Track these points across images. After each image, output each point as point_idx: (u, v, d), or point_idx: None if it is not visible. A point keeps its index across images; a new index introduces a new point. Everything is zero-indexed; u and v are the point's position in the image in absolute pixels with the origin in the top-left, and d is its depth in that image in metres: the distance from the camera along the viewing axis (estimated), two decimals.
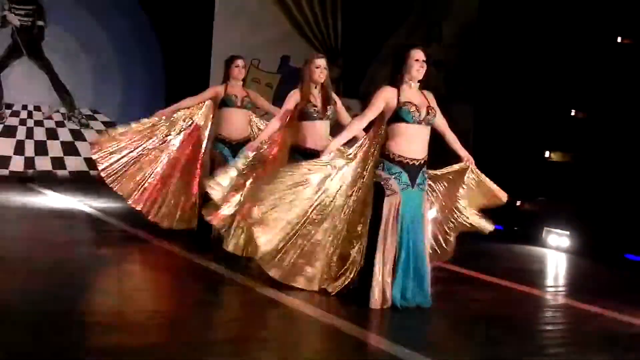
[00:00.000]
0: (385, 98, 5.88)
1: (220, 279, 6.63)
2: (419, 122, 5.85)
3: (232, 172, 6.78)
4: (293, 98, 6.84)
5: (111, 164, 8.13)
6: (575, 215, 9.14)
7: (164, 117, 8.36)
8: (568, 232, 9.14)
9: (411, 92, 5.91)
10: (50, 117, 13.89)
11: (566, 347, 5.33)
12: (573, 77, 9.49)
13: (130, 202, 8.24)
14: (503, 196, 6.36)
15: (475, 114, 11.18)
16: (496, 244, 8.87)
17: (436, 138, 6.15)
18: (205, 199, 7.29)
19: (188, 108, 8.46)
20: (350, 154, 6.13)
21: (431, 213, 6.31)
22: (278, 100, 7.33)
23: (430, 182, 6.21)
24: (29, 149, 13.67)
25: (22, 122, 13.72)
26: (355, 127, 6.15)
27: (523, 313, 6.20)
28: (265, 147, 7.01)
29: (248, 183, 6.76)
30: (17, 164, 13.51)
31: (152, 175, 8.27)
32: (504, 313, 6.13)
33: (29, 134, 13.71)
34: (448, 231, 6.43)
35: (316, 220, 6.09)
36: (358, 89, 13.56)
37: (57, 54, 13.84)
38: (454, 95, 11.27)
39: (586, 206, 9.09)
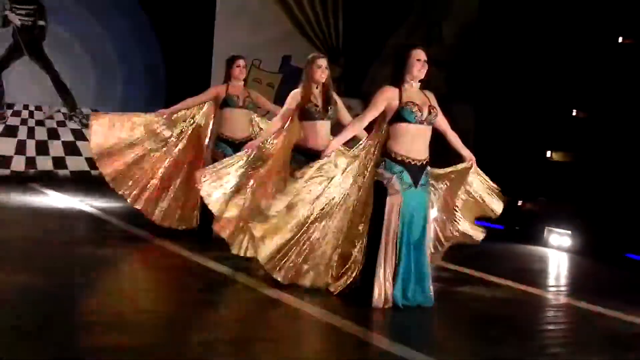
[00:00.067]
0: (386, 98, 5.88)
1: (221, 278, 6.63)
2: (421, 122, 5.85)
3: (227, 183, 6.80)
4: (294, 98, 6.84)
5: (113, 164, 8.13)
6: (576, 214, 9.14)
7: (164, 116, 8.36)
8: (569, 232, 9.14)
9: (413, 91, 5.91)
10: (51, 117, 13.88)
11: (567, 346, 5.33)
12: (574, 77, 9.48)
13: (130, 200, 8.24)
14: (499, 208, 6.39)
15: (476, 113, 11.17)
16: (497, 243, 8.87)
17: (438, 138, 6.15)
18: None
19: (189, 108, 8.47)
20: (352, 153, 6.13)
21: (433, 213, 6.32)
22: (279, 100, 7.32)
23: (432, 181, 6.22)
24: (30, 148, 13.66)
25: (24, 121, 13.71)
26: (356, 127, 6.15)
27: (524, 313, 6.20)
28: (267, 146, 7.00)
29: (250, 184, 6.75)
30: (18, 164, 13.49)
31: (154, 175, 8.27)
32: (505, 313, 6.13)
33: (30, 133, 13.70)
34: (451, 232, 6.44)
35: (317, 221, 6.09)
36: (359, 88, 13.54)
37: (58, 54, 13.83)
38: (455, 95, 11.26)
39: (587, 206, 9.09)
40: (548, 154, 9.80)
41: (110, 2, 14.13)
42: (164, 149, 8.35)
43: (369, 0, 13.80)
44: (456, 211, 6.40)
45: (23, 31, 13.64)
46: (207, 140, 8.42)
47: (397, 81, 5.92)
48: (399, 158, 5.81)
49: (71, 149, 13.82)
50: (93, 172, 12.42)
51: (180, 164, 8.37)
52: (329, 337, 5.26)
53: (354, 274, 5.99)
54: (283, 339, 5.11)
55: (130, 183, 8.21)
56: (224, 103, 8.25)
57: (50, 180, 13.08)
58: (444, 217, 6.45)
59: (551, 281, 7.96)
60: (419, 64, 5.88)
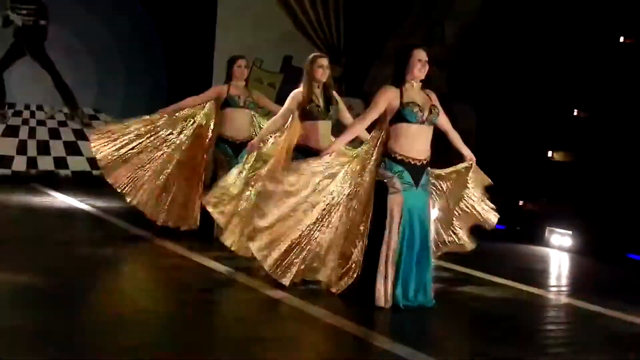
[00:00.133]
0: (387, 98, 5.88)
1: (222, 278, 6.63)
2: (422, 122, 5.85)
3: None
4: (295, 97, 6.83)
5: (112, 161, 8.12)
6: (577, 214, 9.13)
7: (165, 116, 8.36)
8: (570, 232, 9.13)
9: (414, 91, 5.91)
10: (52, 117, 13.88)
11: (568, 346, 5.33)
12: (576, 77, 9.48)
13: (129, 199, 8.24)
14: (493, 222, 6.43)
15: (477, 113, 11.16)
16: (499, 243, 8.87)
17: (439, 137, 6.14)
18: None
19: (190, 108, 8.46)
20: (352, 153, 6.13)
21: (434, 212, 6.32)
22: (281, 101, 7.31)
23: (434, 181, 6.22)
24: (32, 148, 13.66)
25: (25, 121, 13.71)
26: (358, 127, 6.15)
27: (525, 312, 6.19)
28: (269, 146, 7.00)
29: (251, 184, 6.75)
30: (19, 164, 13.50)
31: (153, 174, 8.26)
32: (506, 312, 6.13)
33: (32, 133, 13.70)
34: (455, 228, 6.46)
35: (319, 222, 6.08)
36: (360, 88, 13.54)
37: (60, 54, 13.82)
38: (457, 95, 11.25)
39: (589, 206, 9.08)
40: (549, 153, 9.79)
41: (111, 2, 14.13)
42: (165, 148, 8.34)
43: (370, 0, 13.79)
44: (454, 220, 6.43)
45: (24, 31, 13.64)
46: (207, 140, 8.42)
47: (398, 81, 5.92)
48: (400, 158, 5.81)
49: (72, 149, 13.81)
50: (94, 172, 12.45)
51: (180, 164, 8.36)
52: (330, 337, 5.26)
53: (355, 274, 5.98)
54: (284, 339, 5.11)
55: (130, 182, 8.20)
56: (225, 103, 8.26)
57: (51, 180, 13.08)
58: (444, 220, 6.46)
59: (552, 281, 7.95)
60: (419, 64, 5.88)
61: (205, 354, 4.62)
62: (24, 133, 13.64)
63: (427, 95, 5.98)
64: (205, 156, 8.39)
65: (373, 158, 5.99)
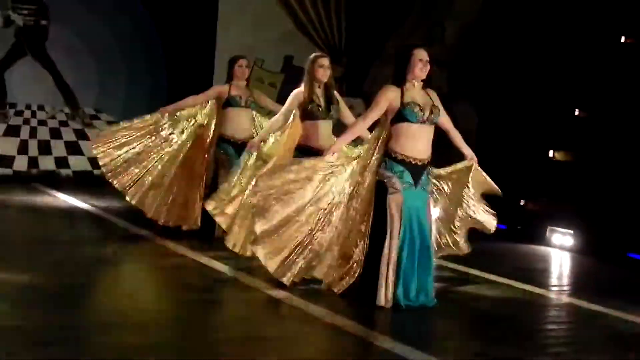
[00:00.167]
0: (388, 98, 5.88)
1: (223, 278, 6.63)
2: (423, 122, 5.85)
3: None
4: (296, 97, 6.83)
5: (112, 160, 8.13)
6: (578, 214, 9.13)
7: (166, 115, 8.36)
8: (572, 231, 9.13)
9: (415, 91, 5.91)
10: (53, 117, 13.89)
11: (569, 346, 5.33)
12: (576, 77, 9.47)
13: (128, 198, 8.25)
14: (492, 227, 6.54)
15: (478, 113, 11.16)
16: (500, 243, 8.86)
17: (439, 137, 6.14)
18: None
19: (191, 107, 8.47)
20: (353, 153, 6.13)
21: (435, 212, 6.33)
22: (282, 100, 7.32)
23: (434, 181, 6.23)
24: (33, 148, 13.66)
25: (26, 121, 13.72)
26: (359, 127, 6.15)
27: (526, 312, 6.19)
28: (269, 145, 7.00)
29: (253, 183, 6.74)
30: (20, 164, 13.50)
31: (154, 173, 8.26)
32: (507, 312, 6.13)
33: (33, 133, 13.70)
34: (455, 229, 6.46)
35: (320, 222, 6.08)
36: (361, 88, 13.54)
37: (61, 54, 13.83)
38: (457, 95, 11.25)
39: (590, 205, 9.08)
40: (550, 153, 9.79)
41: (112, 2, 14.14)
42: (166, 147, 8.35)
43: (371, 0, 13.79)
44: (455, 221, 6.43)
45: (25, 31, 13.64)
46: (208, 140, 8.43)
47: (399, 81, 5.92)
48: (400, 158, 5.81)
49: (73, 149, 13.82)
50: (95, 171, 12.45)
51: (181, 164, 8.36)
52: (331, 337, 5.26)
53: (356, 274, 5.98)
54: (285, 338, 5.11)
55: (130, 180, 8.21)
56: (227, 103, 8.26)
57: (52, 180, 13.09)
58: (447, 216, 6.47)
59: (553, 281, 7.95)
60: (420, 64, 5.88)
61: (206, 353, 4.62)
62: (25, 133, 13.64)
63: (428, 94, 5.98)
64: (206, 156, 8.39)
65: (374, 158, 5.98)
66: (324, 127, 6.83)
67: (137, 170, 8.22)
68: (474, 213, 6.46)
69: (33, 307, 5.40)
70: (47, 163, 13.67)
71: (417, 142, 5.86)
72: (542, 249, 9.21)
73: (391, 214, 5.77)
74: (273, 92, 13.25)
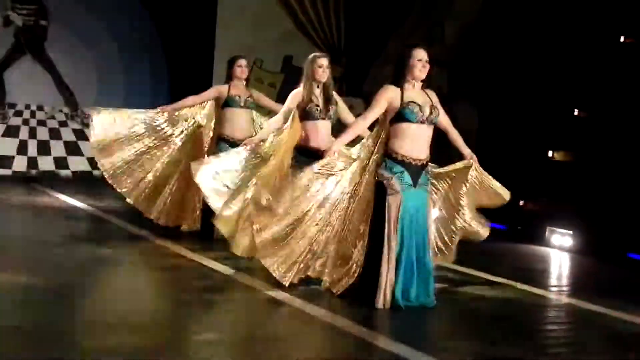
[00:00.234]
0: (388, 97, 5.87)
1: (223, 278, 6.62)
2: (422, 122, 5.85)
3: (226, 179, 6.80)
4: (295, 97, 6.83)
5: (111, 160, 8.12)
6: (578, 214, 9.13)
7: (165, 113, 8.36)
8: (571, 232, 9.13)
9: (414, 91, 5.91)
10: (53, 117, 13.90)
11: (569, 346, 5.32)
12: (576, 77, 9.47)
13: (128, 198, 8.25)
14: (506, 194, 6.41)
15: (478, 113, 11.16)
16: (499, 243, 8.85)
17: (439, 137, 6.14)
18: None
19: (191, 107, 8.47)
20: (352, 153, 6.13)
21: (434, 212, 6.32)
22: (281, 101, 7.32)
23: (433, 180, 6.22)
24: (32, 148, 13.68)
25: (25, 121, 13.73)
26: (359, 127, 6.14)
27: (526, 312, 6.19)
28: (269, 145, 6.98)
29: (252, 182, 6.72)
30: (20, 164, 13.52)
31: (153, 174, 8.27)
32: (506, 312, 6.12)
33: (32, 133, 13.72)
34: (454, 229, 6.45)
35: (320, 223, 6.07)
36: (361, 88, 13.54)
37: (60, 54, 13.85)
38: (457, 95, 11.25)
39: (589, 205, 9.07)
40: (550, 153, 9.78)
41: (112, 1, 14.14)
42: (165, 147, 8.35)
43: (370, 0, 13.79)
44: (460, 208, 6.40)
45: (25, 31, 13.66)
46: (208, 140, 8.43)
47: (399, 81, 5.91)
48: (400, 158, 5.81)
49: (73, 149, 13.83)
50: (94, 172, 12.46)
51: (180, 164, 8.36)
52: (330, 337, 5.25)
53: (355, 275, 5.97)
54: (284, 339, 5.11)
55: (129, 180, 8.21)
56: (226, 103, 8.26)
57: (51, 180, 13.09)
58: (446, 216, 6.46)
59: (553, 281, 7.95)
60: (420, 64, 5.87)
61: (207, 354, 4.61)
62: (24, 133, 13.66)
63: (428, 95, 5.97)
64: (205, 156, 8.37)
65: (373, 158, 5.98)
66: (323, 127, 6.83)
67: (136, 171, 8.22)
68: (467, 221, 6.43)
69: (32, 307, 5.41)
70: (46, 163, 13.69)
71: (416, 142, 5.86)
72: (542, 249, 9.21)
73: (390, 214, 5.76)
74: (272, 92, 13.25)
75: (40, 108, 13.84)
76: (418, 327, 5.60)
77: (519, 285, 6.96)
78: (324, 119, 6.83)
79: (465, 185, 6.35)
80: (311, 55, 6.89)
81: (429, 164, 5.99)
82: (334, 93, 6.95)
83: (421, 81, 5.95)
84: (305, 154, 6.66)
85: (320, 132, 6.81)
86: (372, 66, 13.59)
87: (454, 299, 6.41)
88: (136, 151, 8.22)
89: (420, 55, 5.89)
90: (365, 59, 13.73)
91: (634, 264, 8.37)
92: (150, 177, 8.26)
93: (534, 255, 8.93)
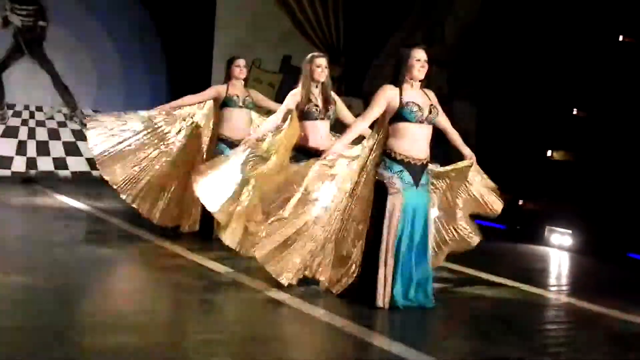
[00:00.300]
0: (387, 97, 5.87)
1: (223, 279, 6.62)
2: (421, 122, 5.84)
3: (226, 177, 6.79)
4: (294, 97, 6.82)
5: (105, 149, 8.10)
6: (577, 214, 9.12)
7: (163, 112, 8.36)
8: (570, 231, 9.13)
9: (413, 91, 5.90)
10: (52, 118, 13.89)
11: (568, 346, 5.32)
12: (575, 76, 9.47)
13: (126, 198, 8.23)
14: (499, 207, 6.42)
15: (477, 113, 11.16)
16: (499, 243, 8.86)
17: (439, 137, 6.14)
18: None
19: (190, 105, 8.46)
20: (352, 153, 6.12)
21: (434, 212, 6.32)
22: (280, 100, 7.31)
23: (433, 180, 6.21)
24: (31, 149, 13.67)
25: (24, 122, 13.73)
26: (359, 126, 6.13)
27: (525, 312, 6.18)
28: (268, 145, 6.96)
29: (251, 183, 6.71)
30: (19, 165, 13.51)
31: (151, 174, 8.26)
32: (506, 312, 6.12)
33: (31, 134, 13.71)
34: (457, 226, 6.44)
35: (320, 222, 6.06)
36: (360, 87, 13.55)
37: (59, 54, 13.84)
38: (458, 95, 11.26)
39: (589, 205, 9.07)
40: (549, 153, 9.78)
41: (111, 2, 14.14)
42: (163, 147, 8.34)
43: None
44: (457, 211, 6.40)
45: (24, 32, 13.65)
46: (206, 140, 8.42)
47: (397, 81, 5.91)
48: (399, 158, 5.80)
49: (72, 150, 13.83)
50: (94, 172, 12.45)
51: (178, 164, 8.36)
52: (329, 337, 5.25)
53: (354, 274, 5.97)
54: (284, 339, 5.11)
55: (128, 181, 8.20)
56: (224, 103, 8.25)
57: (50, 181, 13.09)
58: (445, 216, 6.45)
59: (552, 281, 7.95)
60: (419, 64, 5.87)
61: (205, 354, 4.61)
62: (23, 134, 13.65)
63: (427, 94, 5.97)
64: (204, 156, 8.38)
65: (372, 158, 5.98)
66: (322, 127, 6.82)
67: (134, 171, 8.21)
68: (478, 196, 6.39)
69: (31, 307, 5.41)
70: (45, 164, 13.68)
71: (415, 142, 5.85)
72: (541, 248, 9.20)
73: (391, 213, 5.76)
74: (271, 92, 13.26)
75: (39, 109, 13.83)
76: (417, 327, 5.60)
77: (519, 285, 6.95)
78: (322, 119, 6.82)
79: (465, 185, 6.35)
80: (309, 55, 6.88)
81: (429, 163, 5.99)
82: (332, 93, 6.94)
83: (420, 81, 5.95)
84: (304, 154, 6.66)
85: (319, 132, 6.81)
86: (371, 66, 13.59)
87: (453, 298, 6.41)
88: (134, 150, 8.20)
89: (419, 55, 5.88)
90: (364, 58, 13.73)
91: (634, 264, 8.37)
92: (148, 177, 8.25)
93: (533, 254, 8.92)
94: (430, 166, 6.04)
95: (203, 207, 7.61)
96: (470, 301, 6.42)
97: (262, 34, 13.82)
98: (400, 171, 5.78)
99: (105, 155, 8.10)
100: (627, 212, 8.64)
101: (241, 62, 8.38)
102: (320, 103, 6.81)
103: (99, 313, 5.42)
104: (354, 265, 5.98)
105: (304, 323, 5.51)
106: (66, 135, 13.88)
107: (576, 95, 9.53)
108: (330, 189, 6.05)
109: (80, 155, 13.71)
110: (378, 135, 5.98)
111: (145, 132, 8.27)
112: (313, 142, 6.75)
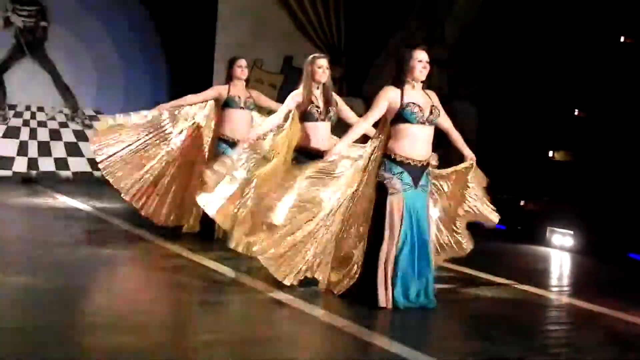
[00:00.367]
0: (388, 98, 5.87)
1: (224, 279, 6.62)
2: (423, 123, 5.84)
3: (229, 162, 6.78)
4: (295, 98, 6.82)
5: (109, 156, 8.12)
6: (578, 214, 9.12)
7: (164, 112, 8.36)
8: (572, 232, 9.12)
9: (414, 92, 5.90)
10: (53, 118, 13.90)
11: (569, 346, 5.32)
12: (576, 77, 9.47)
13: (125, 196, 8.24)
14: (494, 220, 6.43)
15: (479, 113, 11.16)
16: (500, 243, 8.85)
17: (439, 138, 6.14)
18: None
19: (190, 105, 8.46)
20: (354, 154, 6.12)
21: (434, 213, 6.32)
22: (281, 101, 7.31)
23: (434, 182, 6.21)
24: (32, 149, 13.68)
25: (26, 122, 13.74)
26: (361, 128, 6.12)
27: (526, 313, 6.18)
28: (268, 147, 6.97)
29: (252, 184, 6.69)
30: (20, 165, 13.52)
31: (152, 174, 8.27)
32: (507, 313, 6.12)
33: (32, 134, 13.72)
34: (456, 229, 6.44)
35: (321, 223, 6.06)
36: (361, 88, 13.55)
37: (60, 55, 13.86)
38: (458, 95, 11.25)
39: (590, 205, 9.07)
40: (550, 153, 9.78)
41: (112, 2, 14.15)
42: (164, 146, 8.34)
43: (371, 0, 13.80)
44: (456, 219, 6.42)
45: (25, 32, 13.66)
46: (207, 140, 8.42)
47: (399, 82, 5.91)
48: (400, 159, 5.80)
49: (73, 150, 13.83)
50: (95, 173, 12.45)
51: (179, 165, 8.37)
52: (330, 338, 5.25)
53: (356, 275, 5.97)
54: (285, 339, 5.11)
55: (129, 182, 8.20)
56: (225, 104, 8.25)
57: (52, 181, 13.09)
58: (447, 215, 6.46)
59: (553, 281, 7.94)
60: (420, 65, 5.87)
61: (207, 355, 4.61)
62: (24, 134, 13.66)
63: (428, 95, 5.97)
64: (205, 157, 8.38)
65: (374, 158, 5.98)
66: (323, 128, 6.81)
67: (135, 171, 8.21)
68: (476, 208, 6.42)
69: (32, 308, 5.41)
70: (46, 164, 13.69)
71: (416, 143, 5.85)
72: (542, 249, 9.20)
73: (391, 214, 5.76)
74: (272, 93, 13.25)
75: (40, 109, 13.84)
76: (418, 327, 5.59)
77: (519, 286, 6.95)
78: (323, 120, 6.81)
79: (467, 186, 6.35)
80: (311, 56, 6.87)
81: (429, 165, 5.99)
82: (333, 94, 6.94)
83: (421, 82, 5.95)
84: (305, 155, 6.65)
85: (320, 133, 6.80)
86: (372, 66, 13.60)
87: (453, 299, 6.40)
88: (135, 151, 8.21)
89: (420, 56, 5.88)
90: (366, 59, 13.73)
91: (635, 264, 8.36)
92: (149, 177, 8.26)
93: (534, 255, 8.92)
94: (432, 168, 6.04)
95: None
96: (471, 301, 6.42)
97: (263, 35, 13.83)
98: (401, 173, 5.78)
99: (110, 163, 8.12)
100: (628, 213, 8.64)
101: (242, 62, 8.38)
102: (321, 104, 6.80)
103: (100, 313, 5.42)
104: (355, 265, 5.98)
105: (304, 323, 5.51)
106: (67, 135, 13.89)
107: (577, 95, 9.53)
108: (332, 189, 6.05)
109: (82, 155, 13.71)
110: (380, 136, 5.98)
111: (146, 132, 8.27)
112: (314, 144, 6.74)
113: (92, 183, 12.62)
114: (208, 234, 8.00)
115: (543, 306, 6.56)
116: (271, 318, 5.60)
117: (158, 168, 8.30)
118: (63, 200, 11.12)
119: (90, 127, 13.83)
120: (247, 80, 8.48)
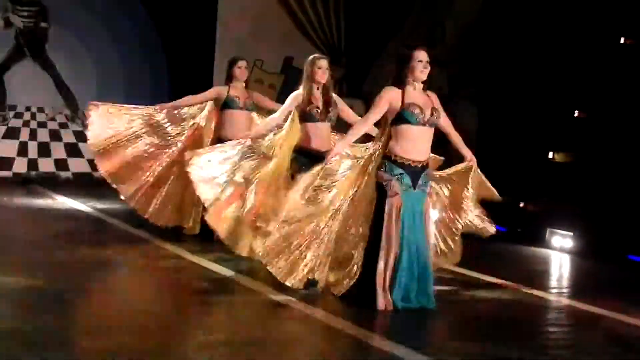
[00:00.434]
0: (389, 99, 5.87)
1: (223, 280, 6.62)
2: (423, 124, 5.84)
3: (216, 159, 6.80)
4: (295, 99, 6.82)
5: (102, 141, 8.11)
6: (578, 216, 9.11)
7: (164, 111, 8.35)
8: (572, 233, 9.11)
9: (415, 93, 5.90)
10: (53, 119, 13.89)
11: (569, 348, 5.32)
12: (576, 78, 9.46)
13: (125, 198, 8.24)
14: (490, 231, 6.47)
15: (478, 113, 11.15)
16: (499, 245, 8.84)
17: (439, 139, 6.14)
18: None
19: (190, 105, 8.46)
20: (354, 155, 6.11)
21: (434, 214, 6.31)
22: (281, 102, 7.31)
23: (434, 184, 6.21)
24: (32, 150, 13.67)
25: (26, 123, 13.73)
26: (361, 128, 6.13)
27: (526, 314, 6.18)
28: (268, 147, 6.96)
29: (252, 185, 6.69)
30: (20, 166, 13.51)
31: (152, 175, 8.27)
32: (507, 314, 6.11)
33: (32, 135, 13.72)
34: (455, 231, 6.44)
35: (322, 223, 6.06)
36: (361, 88, 13.54)
37: (61, 55, 13.84)
38: (458, 95, 11.25)
39: (590, 207, 9.06)
40: (550, 154, 9.77)
41: (112, 3, 14.14)
42: (165, 147, 8.34)
43: (371, 0, 13.79)
44: (463, 208, 6.40)
45: (25, 33, 13.65)
46: (208, 142, 8.41)
47: (400, 82, 5.91)
48: (400, 160, 5.80)
49: (73, 151, 13.82)
50: (95, 174, 12.43)
51: (179, 166, 8.34)
52: (330, 339, 5.25)
53: (356, 276, 5.97)
54: (284, 341, 5.11)
55: (127, 181, 8.20)
56: (225, 105, 8.25)
57: (52, 182, 13.09)
58: (448, 217, 6.45)
59: (553, 283, 7.94)
60: (421, 65, 5.86)
61: (206, 355, 4.61)
62: (24, 135, 13.65)
63: (428, 96, 5.97)
64: None
65: (373, 159, 5.98)
66: (323, 129, 6.82)
67: (136, 172, 8.21)
68: (472, 219, 6.44)
69: (32, 309, 5.40)
70: (46, 165, 13.68)
71: (416, 144, 5.85)
72: (542, 251, 9.19)
73: (390, 216, 5.76)
74: (273, 94, 13.23)
75: (40, 110, 13.83)
76: (417, 328, 5.60)
77: (519, 287, 6.94)
78: (323, 120, 6.82)
79: (467, 187, 6.35)
80: (311, 57, 6.88)
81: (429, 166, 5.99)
82: (333, 94, 6.94)
83: (422, 82, 5.94)
84: (305, 156, 6.66)
85: (320, 133, 6.81)
86: (372, 66, 13.59)
87: (453, 300, 6.41)
88: (135, 150, 8.21)
89: (421, 57, 5.88)
90: (366, 59, 13.73)
91: (635, 266, 8.36)
92: (149, 178, 8.26)
93: (534, 256, 8.92)
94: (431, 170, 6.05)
95: (204, 209, 7.61)
96: (471, 303, 6.42)
97: (263, 35, 13.82)
98: (400, 174, 5.78)
99: (101, 147, 8.11)
100: (628, 214, 8.63)
101: (242, 63, 8.38)
102: (321, 105, 6.81)
103: (99, 314, 5.43)
104: (355, 266, 5.97)
105: (304, 325, 5.51)
106: (67, 136, 13.89)
107: (577, 96, 9.52)
108: (333, 191, 6.05)
109: (82, 156, 13.70)
110: (380, 137, 5.98)
111: (146, 132, 8.27)
112: (314, 144, 6.75)
113: (92, 184, 12.59)
114: (208, 235, 7.98)
115: (543, 308, 6.56)
116: (271, 319, 5.59)
117: (159, 171, 8.30)
118: (63, 201, 11.12)
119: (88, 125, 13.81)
120: (247, 81, 8.48)
